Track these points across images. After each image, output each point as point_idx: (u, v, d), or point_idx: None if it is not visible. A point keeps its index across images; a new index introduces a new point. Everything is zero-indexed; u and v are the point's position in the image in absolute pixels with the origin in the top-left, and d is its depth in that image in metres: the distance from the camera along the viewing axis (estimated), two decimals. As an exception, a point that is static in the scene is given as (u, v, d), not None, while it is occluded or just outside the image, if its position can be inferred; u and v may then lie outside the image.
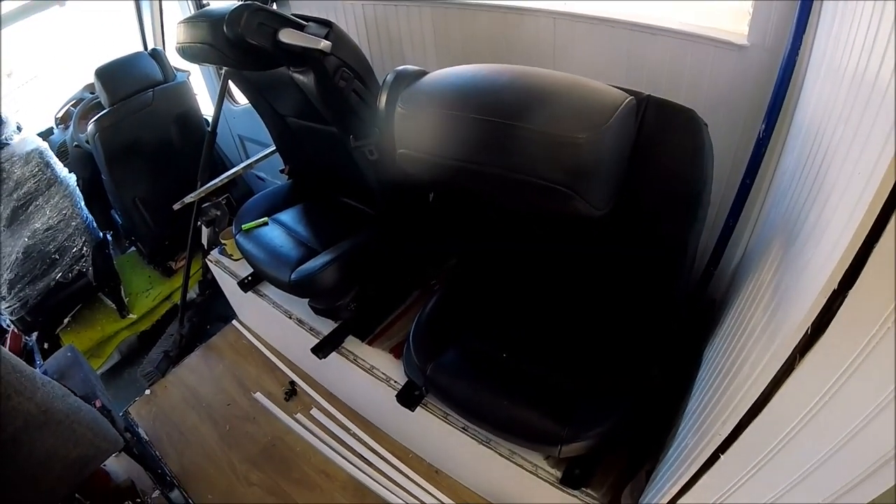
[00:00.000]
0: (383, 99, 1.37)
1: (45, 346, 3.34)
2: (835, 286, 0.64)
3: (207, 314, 3.61)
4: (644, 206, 1.29)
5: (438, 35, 2.32)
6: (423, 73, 1.30)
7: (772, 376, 0.78)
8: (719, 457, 0.95)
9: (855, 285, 0.62)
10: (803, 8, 1.39)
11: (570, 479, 1.67)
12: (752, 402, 0.84)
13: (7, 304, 3.05)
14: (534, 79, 1.15)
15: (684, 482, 1.10)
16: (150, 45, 3.86)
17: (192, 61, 2.01)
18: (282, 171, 2.71)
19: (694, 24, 1.74)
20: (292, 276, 2.03)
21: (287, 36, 1.69)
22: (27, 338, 3.38)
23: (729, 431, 0.91)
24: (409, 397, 1.89)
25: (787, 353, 0.74)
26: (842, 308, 0.64)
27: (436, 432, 1.92)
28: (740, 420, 0.88)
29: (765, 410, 0.82)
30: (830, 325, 0.66)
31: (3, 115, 2.92)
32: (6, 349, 1.59)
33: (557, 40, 1.98)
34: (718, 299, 1.93)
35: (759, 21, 1.56)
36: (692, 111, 1.21)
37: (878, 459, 0.61)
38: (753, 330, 1.03)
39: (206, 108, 3.80)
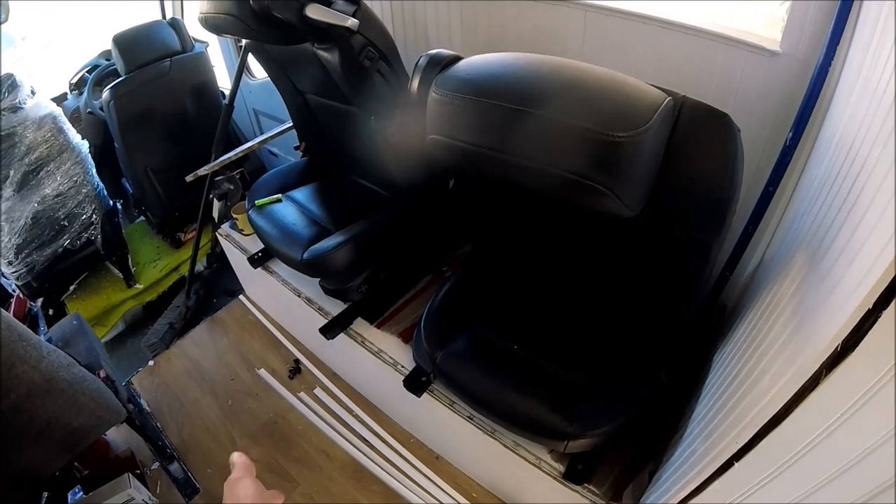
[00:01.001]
0: (415, 82, 1.35)
1: (50, 312, 3.36)
2: (870, 306, 0.63)
3: (214, 287, 3.60)
4: (672, 208, 1.28)
5: (465, 24, 2.29)
6: (458, 58, 1.28)
7: (795, 390, 0.78)
8: (733, 464, 0.95)
9: (890, 306, 0.61)
10: (839, 19, 1.37)
11: (573, 475, 1.68)
12: (773, 413, 0.83)
13: (14, 269, 3.05)
14: (574, 72, 1.13)
15: (694, 486, 1.10)
16: (169, 15, 3.83)
17: (214, 32, 1.99)
18: (296, 149, 2.70)
19: (727, 27, 1.72)
20: (304, 255, 2.02)
21: (314, 11, 1.66)
22: (32, 303, 3.40)
23: (746, 441, 0.90)
24: (416, 383, 1.89)
25: (814, 369, 0.74)
26: (874, 328, 0.64)
27: (440, 419, 1.92)
28: (758, 430, 0.87)
29: (785, 422, 0.81)
30: (861, 344, 0.66)
31: (17, 79, 2.89)
32: (11, 316, 1.58)
33: (587, 33, 1.95)
34: (730, 306, 1.92)
35: (793, 28, 1.53)
36: (727, 115, 1.19)
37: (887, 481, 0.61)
38: (773, 343, 1.02)
39: (223, 81, 3.78)
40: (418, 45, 2.48)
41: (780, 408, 0.82)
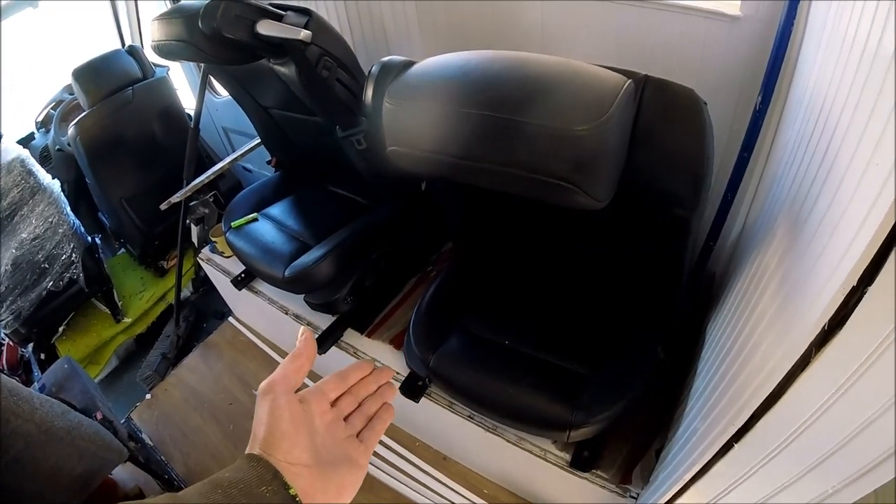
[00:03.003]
0: (369, 92, 1.32)
1: (42, 356, 3.32)
2: (854, 283, 0.61)
3: (204, 311, 3.58)
4: (646, 188, 1.26)
5: (423, 21, 2.27)
6: (411, 64, 1.25)
7: (787, 370, 0.76)
8: (733, 446, 0.94)
9: (874, 283, 0.59)
10: (798, -26, 1.35)
11: (580, 462, 1.67)
12: (767, 394, 0.82)
13: (0, 318, 3.01)
14: (528, 67, 1.10)
15: (697, 469, 1.09)
16: (128, 42, 3.79)
17: (168, 59, 1.97)
18: (268, 163, 2.68)
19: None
20: (286, 273, 2.00)
21: (265, 27, 1.64)
22: (23, 349, 3.36)
23: (743, 422, 0.89)
24: (412, 388, 1.88)
25: (803, 348, 0.72)
26: (860, 304, 0.62)
27: (442, 420, 1.91)
28: (754, 412, 0.86)
29: (780, 402, 0.80)
30: (848, 322, 0.64)
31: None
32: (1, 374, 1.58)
33: (545, 20, 1.94)
34: (719, 273, 1.92)
35: (751, -11, 1.52)
36: (691, 90, 1.17)
37: (885, 452, 0.61)
38: (761, 317, 1.00)
39: (189, 102, 3.74)
40: (378, 47, 2.46)
41: (773, 388, 0.80)
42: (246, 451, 0.63)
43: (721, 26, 1.62)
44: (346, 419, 0.73)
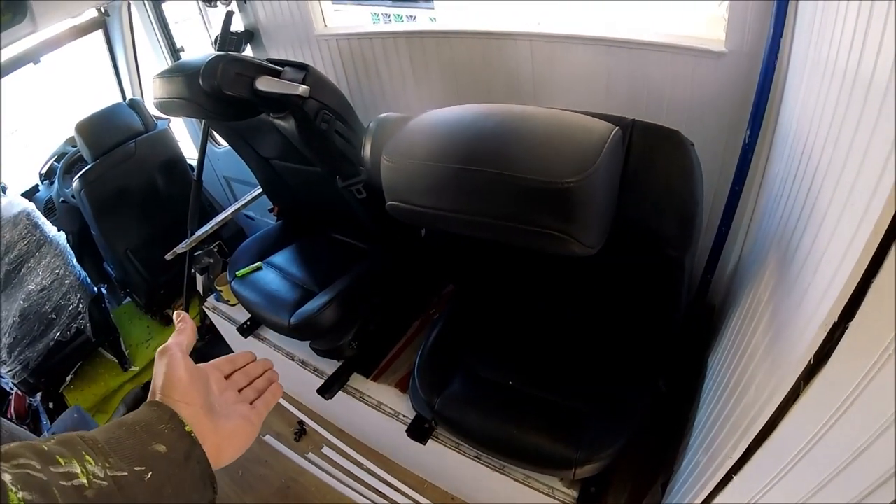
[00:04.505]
0: (367, 148, 1.37)
1: (50, 405, 3.32)
2: (835, 319, 0.65)
3: (209, 359, 3.55)
4: (638, 230, 1.29)
5: (416, 65, 2.33)
6: (406, 120, 1.29)
7: (778, 403, 0.79)
8: (732, 478, 0.96)
9: (855, 318, 0.62)
10: (780, 9, 1.40)
11: (587, 499, 1.67)
12: (761, 427, 0.84)
13: (8, 368, 3.03)
14: (519, 121, 1.14)
15: (699, 502, 1.10)
16: (129, 95, 3.86)
17: (170, 115, 2.01)
18: (270, 211, 2.72)
19: (670, 35, 1.75)
20: (292, 320, 2.02)
21: (264, 84, 1.68)
22: (31, 399, 3.37)
23: (740, 455, 0.92)
24: (419, 431, 1.89)
25: (792, 382, 0.75)
26: (843, 339, 0.65)
27: (449, 462, 1.91)
28: (749, 444, 0.88)
29: (774, 434, 0.82)
30: (832, 356, 0.67)
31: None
32: (10, 423, 1.59)
33: (536, 62, 1.99)
34: (717, 305, 1.94)
35: (735, 26, 1.57)
36: (678, 132, 1.20)
37: (881, 476, 0.62)
38: (755, 351, 1.03)
39: (190, 153, 3.81)
40: (373, 94, 2.52)
41: (766, 421, 0.83)
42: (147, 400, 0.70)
43: (707, 63, 1.66)
44: (239, 392, 0.82)
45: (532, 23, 2.00)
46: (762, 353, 0.99)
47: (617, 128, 1.10)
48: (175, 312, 0.87)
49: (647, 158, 1.22)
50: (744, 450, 0.91)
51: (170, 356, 0.75)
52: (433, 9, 2.47)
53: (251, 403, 0.81)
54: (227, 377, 0.83)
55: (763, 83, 1.52)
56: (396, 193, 1.19)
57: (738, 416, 1.00)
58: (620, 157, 1.18)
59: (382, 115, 1.37)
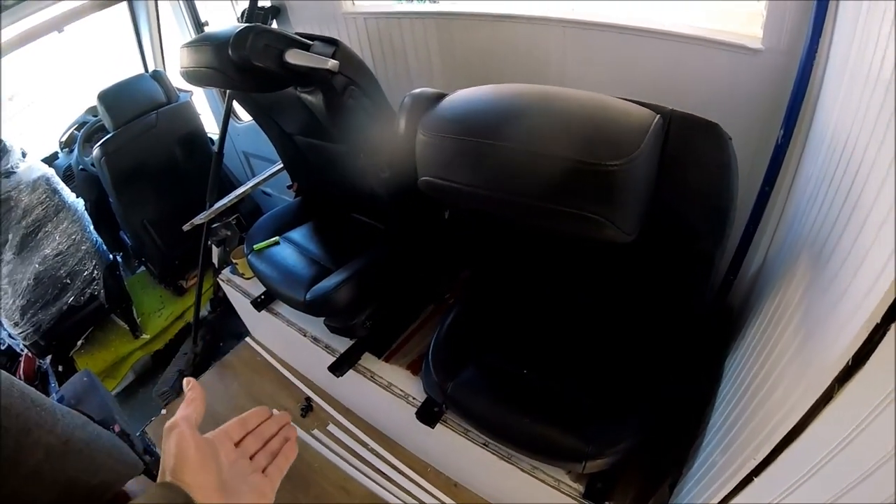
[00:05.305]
0: (402, 123, 1.35)
1: (60, 368, 3.36)
2: (877, 321, 0.63)
3: (220, 331, 3.60)
4: (670, 222, 1.27)
5: (444, 47, 2.31)
6: (442, 96, 1.28)
7: (809, 406, 0.78)
8: (752, 479, 0.95)
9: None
10: (819, 9, 1.37)
11: (593, 494, 1.66)
12: (789, 429, 0.83)
13: (20, 330, 3.07)
14: (560, 101, 1.13)
15: (716, 502, 1.09)
16: (151, 67, 3.87)
17: (197, 85, 2.01)
18: (289, 188, 2.71)
19: (707, 29, 1.72)
20: (307, 296, 2.01)
21: (294, 57, 1.67)
22: (41, 361, 3.40)
23: (764, 456, 0.90)
24: (428, 414, 1.89)
25: (826, 384, 0.74)
26: (883, 341, 0.64)
27: (455, 447, 1.91)
28: (775, 446, 0.87)
29: (801, 437, 0.81)
30: (871, 358, 0.66)
31: (6, 144, 2.92)
32: (24, 383, 1.59)
33: (568, 49, 1.96)
34: (737, 306, 1.91)
35: (773, 23, 1.53)
36: (717, 125, 1.18)
37: None
38: (783, 353, 1.01)
39: (210, 127, 3.81)
40: (398, 74, 2.50)
41: (794, 423, 0.82)
42: (158, 480, 0.69)
43: (743, 59, 1.63)
44: (251, 458, 0.81)
45: (566, 8, 1.97)
46: (791, 354, 0.97)
47: (658, 115, 1.09)
48: (185, 380, 0.85)
49: (685, 149, 1.19)
50: (768, 452, 0.89)
51: (178, 434, 0.73)
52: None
53: (264, 471, 0.81)
54: (238, 443, 0.81)
55: (799, 83, 1.49)
56: (431, 169, 1.17)
57: (761, 418, 0.99)
58: (660, 145, 1.15)
59: (417, 90, 1.35)
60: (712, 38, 1.68)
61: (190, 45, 1.82)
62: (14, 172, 2.92)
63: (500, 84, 1.22)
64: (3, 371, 1.56)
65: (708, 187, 1.22)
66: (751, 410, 1.09)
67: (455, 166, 1.14)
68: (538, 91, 1.17)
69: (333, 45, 1.76)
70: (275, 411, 0.88)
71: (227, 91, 2.66)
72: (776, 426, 0.88)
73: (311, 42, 1.77)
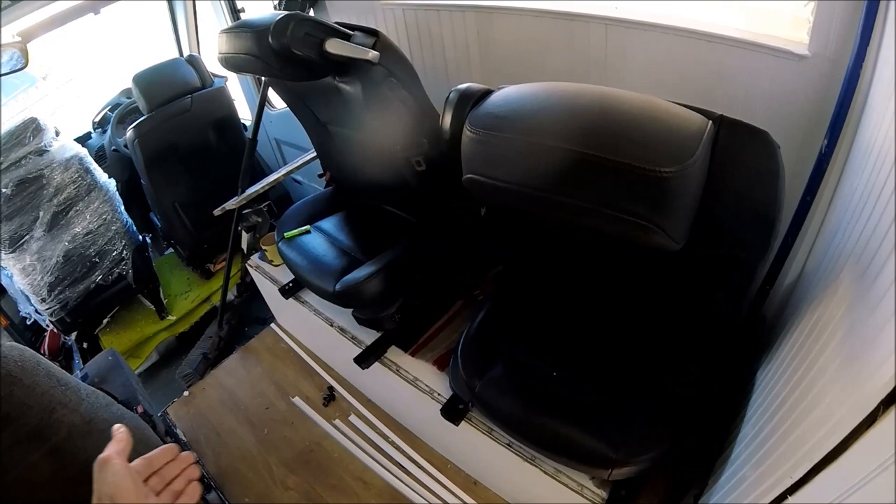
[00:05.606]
0: (447, 118, 1.33)
1: (84, 345, 3.43)
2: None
3: (245, 316, 3.64)
4: (714, 229, 1.25)
5: (482, 40, 2.29)
6: (489, 92, 1.26)
7: (852, 427, 0.76)
8: (787, 497, 0.93)
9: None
10: (868, 16, 1.33)
11: (617, 501, 1.64)
12: (829, 449, 0.81)
13: (47, 306, 3.12)
14: (615, 103, 1.11)
15: (747, 519, 1.07)
16: (186, 51, 3.89)
17: (234, 71, 2.01)
18: (320, 176, 2.71)
19: (751, 32, 1.69)
20: (337, 287, 2.00)
21: (334, 46, 1.67)
22: (66, 337, 3.46)
23: (801, 476, 0.88)
24: (453, 411, 1.87)
25: (872, 407, 0.72)
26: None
27: (478, 445, 1.89)
28: (813, 465, 0.86)
29: (841, 458, 0.79)
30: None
31: (41, 122, 2.96)
32: (50, 362, 1.61)
33: (609, 47, 1.94)
34: (770, 316, 1.88)
35: (820, 28, 1.49)
36: (766, 133, 1.16)
37: None
38: (823, 370, 0.99)
39: (244, 113, 3.83)
40: (436, 66, 2.49)
41: (836, 444, 0.80)
42: None
43: (788, 65, 1.59)
44: (157, 494, 0.90)
45: (609, 6, 1.95)
46: (833, 373, 0.94)
47: (709, 121, 1.06)
48: (113, 427, 0.95)
49: (733, 156, 1.17)
50: (806, 471, 0.87)
51: (114, 466, 0.85)
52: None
53: None
54: (145, 480, 0.90)
55: (845, 91, 1.44)
56: (478, 166, 1.16)
57: (798, 436, 0.97)
58: (710, 151, 1.13)
59: (463, 85, 1.33)
60: (757, 41, 1.65)
61: (229, 31, 1.83)
62: (47, 151, 2.97)
63: (550, 82, 1.21)
64: (29, 349, 1.58)
65: (755, 196, 1.20)
66: (787, 426, 1.07)
67: (504, 165, 1.13)
68: (593, 91, 1.15)
69: (374, 36, 1.75)
70: (183, 453, 0.98)
71: (263, 78, 2.67)
72: (816, 445, 0.86)
73: (351, 32, 1.76)
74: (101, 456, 0.85)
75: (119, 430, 0.92)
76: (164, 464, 0.93)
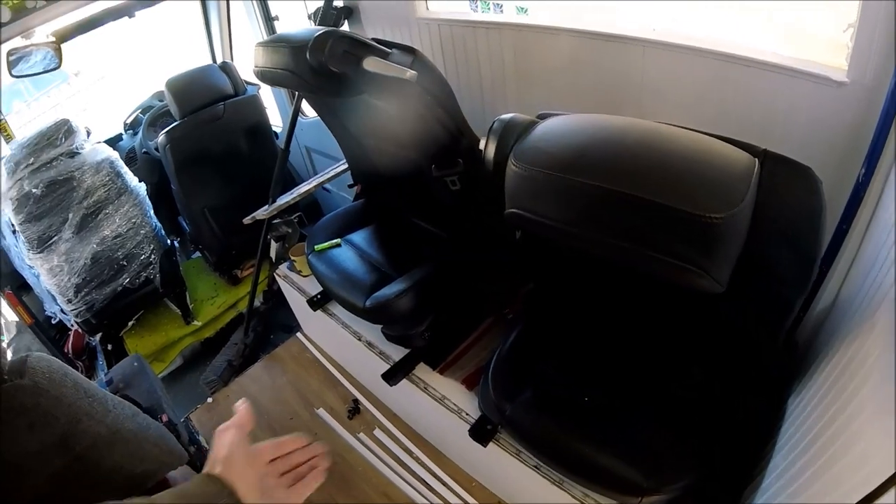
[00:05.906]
0: (491, 149, 1.32)
1: (109, 347, 3.46)
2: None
3: (271, 324, 3.64)
4: (754, 266, 1.22)
5: (518, 58, 2.29)
6: (533, 123, 1.25)
7: (891, 474, 0.75)
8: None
9: None
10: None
11: (644, 529, 1.62)
12: (867, 493, 0.79)
13: (73, 307, 3.15)
14: (661, 141, 1.10)
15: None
16: (219, 58, 3.92)
17: (269, 84, 2.02)
18: (350, 186, 2.72)
19: (789, 57, 1.67)
20: (367, 303, 2.00)
21: (372, 64, 1.67)
22: (91, 338, 3.49)
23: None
24: (482, 432, 1.85)
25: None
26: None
27: (505, 466, 1.88)
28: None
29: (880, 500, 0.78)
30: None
31: (73, 124, 3.00)
32: (79, 374, 1.63)
33: (646, 69, 1.93)
34: (802, 343, 1.85)
35: (859, 55, 1.48)
36: (809, 169, 1.14)
37: None
38: (861, 408, 0.98)
39: (276, 120, 3.85)
40: (471, 83, 2.49)
41: (875, 487, 0.78)
42: (205, 471, 0.86)
43: (826, 92, 1.57)
44: (281, 476, 0.94)
45: (646, 28, 1.93)
46: (871, 412, 0.93)
47: (755, 159, 1.05)
48: (236, 404, 1.00)
49: (776, 193, 1.15)
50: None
51: (232, 434, 0.90)
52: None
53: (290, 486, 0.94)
54: (271, 461, 0.94)
55: (884, 119, 1.42)
56: (522, 202, 1.15)
57: (835, 476, 0.95)
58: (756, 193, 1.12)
59: (507, 115, 1.32)
60: (795, 67, 1.63)
61: (266, 44, 1.84)
62: (78, 153, 3.02)
63: (596, 115, 1.20)
64: (57, 360, 1.60)
65: (797, 233, 1.18)
66: (822, 464, 1.05)
67: (549, 202, 1.12)
68: (639, 128, 1.14)
69: (411, 54, 1.75)
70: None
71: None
72: (852, 488, 0.84)
73: (389, 50, 1.76)
74: (222, 426, 0.91)
75: (242, 405, 0.97)
76: (293, 450, 0.97)
